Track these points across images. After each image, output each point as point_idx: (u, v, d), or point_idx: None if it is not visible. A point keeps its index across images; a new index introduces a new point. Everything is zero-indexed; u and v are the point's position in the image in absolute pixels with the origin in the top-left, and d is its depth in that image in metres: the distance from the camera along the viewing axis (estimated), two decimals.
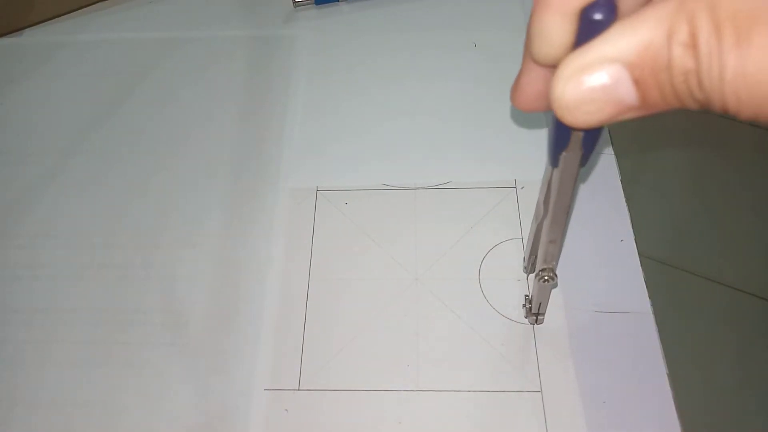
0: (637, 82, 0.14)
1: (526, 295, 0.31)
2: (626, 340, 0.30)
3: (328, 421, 0.29)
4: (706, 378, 0.90)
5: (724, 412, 0.88)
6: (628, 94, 0.14)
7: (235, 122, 0.39)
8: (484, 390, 0.29)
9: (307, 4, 0.45)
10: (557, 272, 0.26)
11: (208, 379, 0.30)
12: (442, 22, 0.43)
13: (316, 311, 0.32)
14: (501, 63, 0.41)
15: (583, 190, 0.35)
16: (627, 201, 0.34)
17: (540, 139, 0.37)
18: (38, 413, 0.30)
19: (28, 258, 0.35)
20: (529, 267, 0.31)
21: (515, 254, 0.33)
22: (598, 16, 0.15)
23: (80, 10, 0.46)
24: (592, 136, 0.19)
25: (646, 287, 0.31)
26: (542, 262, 0.26)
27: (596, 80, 0.15)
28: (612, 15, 0.15)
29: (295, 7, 0.45)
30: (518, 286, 0.32)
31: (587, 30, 0.16)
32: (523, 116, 0.37)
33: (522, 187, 0.35)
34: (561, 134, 0.20)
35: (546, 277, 0.26)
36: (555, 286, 0.27)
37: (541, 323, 0.30)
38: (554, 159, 0.21)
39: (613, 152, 0.36)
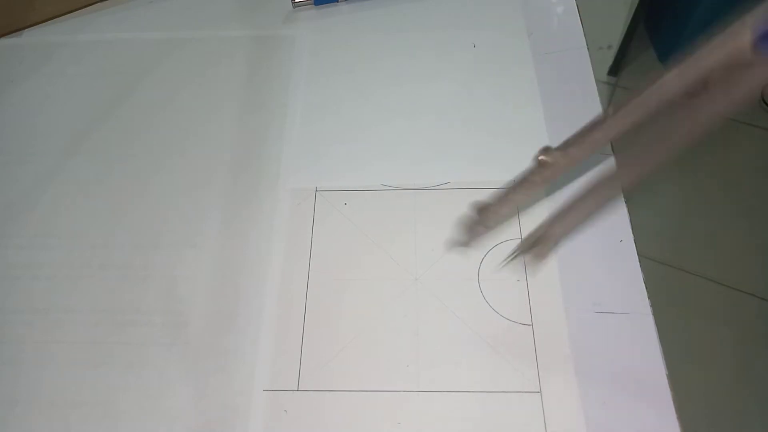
0: None
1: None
2: (626, 340, 0.30)
3: (327, 421, 0.29)
4: (705, 378, 0.90)
5: (723, 411, 0.88)
6: None
7: (234, 122, 0.39)
8: (483, 390, 0.29)
9: (307, 4, 0.45)
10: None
11: (207, 379, 0.30)
12: (442, 23, 0.43)
13: (315, 311, 0.32)
14: (500, 63, 0.40)
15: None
16: (626, 202, 0.34)
17: (539, 139, 0.37)
18: (38, 413, 0.30)
19: (27, 258, 0.35)
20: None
21: None
22: None
23: (80, 10, 0.46)
24: None
25: (646, 288, 0.31)
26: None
27: None
28: None
29: (294, 7, 0.45)
30: (518, 286, 0.32)
31: None
32: (521, 117, 0.37)
33: None
34: None
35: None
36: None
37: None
38: None
39: (612, 153, 0.36)
